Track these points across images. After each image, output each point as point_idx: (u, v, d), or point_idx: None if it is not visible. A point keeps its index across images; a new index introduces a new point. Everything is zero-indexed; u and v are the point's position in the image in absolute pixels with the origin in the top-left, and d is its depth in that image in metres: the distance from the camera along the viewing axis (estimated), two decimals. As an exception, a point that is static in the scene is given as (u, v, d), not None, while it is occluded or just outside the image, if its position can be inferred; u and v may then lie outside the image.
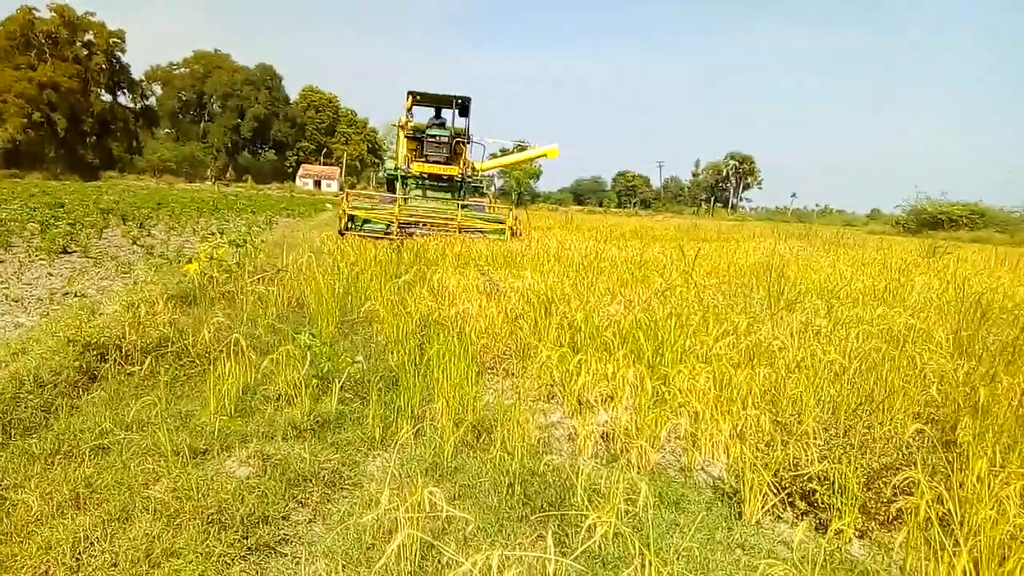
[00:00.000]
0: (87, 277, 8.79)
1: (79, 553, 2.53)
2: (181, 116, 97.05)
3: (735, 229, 29.47)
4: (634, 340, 5.01)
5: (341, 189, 46.03)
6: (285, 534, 2.79)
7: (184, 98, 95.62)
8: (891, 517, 3.10)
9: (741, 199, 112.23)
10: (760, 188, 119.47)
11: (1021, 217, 45.71)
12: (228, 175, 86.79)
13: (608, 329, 5.37)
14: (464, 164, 16.81)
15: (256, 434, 3.65)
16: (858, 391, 4.20)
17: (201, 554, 2.53)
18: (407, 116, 16.85)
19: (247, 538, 2.67)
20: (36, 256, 10.34)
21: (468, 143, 17.10)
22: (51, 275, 8.91)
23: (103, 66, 72.23)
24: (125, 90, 78.01)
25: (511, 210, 14.27)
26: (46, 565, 2.46)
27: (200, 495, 2.89)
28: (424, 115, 18.00)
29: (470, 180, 17.06)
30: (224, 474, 3.18)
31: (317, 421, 3.88)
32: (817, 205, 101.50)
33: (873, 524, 3.11)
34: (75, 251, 11.36)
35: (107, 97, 74.85)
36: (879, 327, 5.77)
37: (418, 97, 16.71)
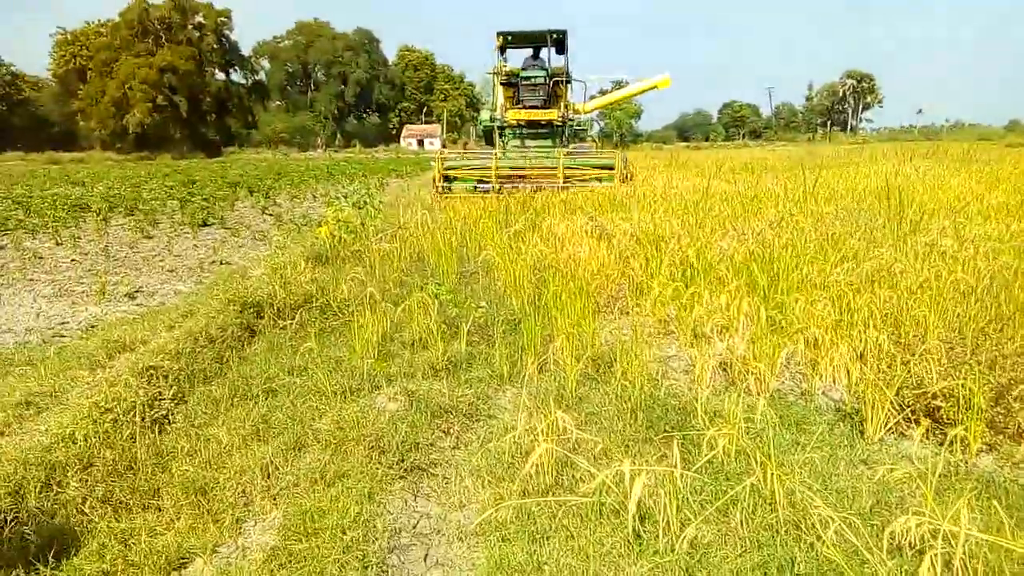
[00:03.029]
0: (228, 246, 9.65)
1: (267, 475, 2.98)
2: (289, 88, 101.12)
3: (855, 153, 27.79)
4: (748, 272, 5.04)
5: (443, 146, 46.65)
6: (434, 458, 3.15)
7: (290, 70, 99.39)
8: (1022, 431, 3.08)
9: (861, 120, 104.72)
10: (881, 107, 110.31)
11: None
12: (337, 142, 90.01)
13: (721, 263, 5.41)
14: (565, 107, 15.09)
15: (399, 374, 4.06)
16: (987, 309, 4.08)
17: (367, 474, 2.92)
18: (501, 61, 15.42)
19: (403, 461, 3.05)
20: (180, 230, 11.39)
21: (568, 83, 15.30)
22: (196, 246, 9.84)
23: (214, 46, 75.79)
24: (236, 67, 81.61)
25: (618, 152, 13.38)
26: (243, 485, 2.92)
27: (359, 426, 3.30)
28: (521, 60, 16.21)
29: (572, 123, 15.40)
30: (376, 409, 3.57)
31: (450, 362, 4.23)
32: (947, 120, 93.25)
33: (1002, 438, 3.11)
34: (213, 223, 12.38)
35: (221, 76, 78.73)
36: (1011, 244, 5.48)
37: (509, 37, 15.11)
